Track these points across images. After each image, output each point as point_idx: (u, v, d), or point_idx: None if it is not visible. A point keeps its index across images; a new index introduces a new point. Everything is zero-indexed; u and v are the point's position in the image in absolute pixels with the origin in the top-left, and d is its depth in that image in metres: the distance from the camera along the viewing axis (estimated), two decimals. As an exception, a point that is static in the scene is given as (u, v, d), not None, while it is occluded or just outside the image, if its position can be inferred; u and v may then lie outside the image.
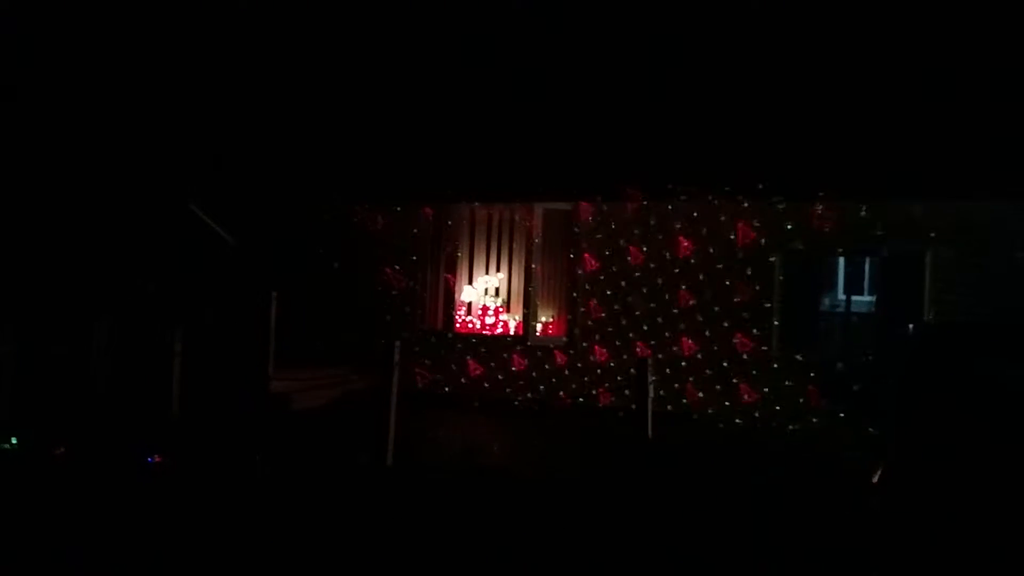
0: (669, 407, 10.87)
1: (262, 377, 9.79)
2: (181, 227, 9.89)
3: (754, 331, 10.73)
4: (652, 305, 11.26)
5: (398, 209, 12.53)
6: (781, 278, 10.68)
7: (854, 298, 11.55)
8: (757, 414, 10.63)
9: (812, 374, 10.24)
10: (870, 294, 12.06)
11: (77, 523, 5.82)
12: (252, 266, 10.12)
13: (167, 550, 5.32)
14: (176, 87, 9.48)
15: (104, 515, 6.02)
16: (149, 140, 10.26)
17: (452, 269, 12.48)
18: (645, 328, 11.26)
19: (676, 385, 11.05)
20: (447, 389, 11.90)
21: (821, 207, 10.37)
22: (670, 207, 11.14)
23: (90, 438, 8.04)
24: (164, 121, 10.13)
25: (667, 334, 11.14)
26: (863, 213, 10.19)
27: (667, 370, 10.97)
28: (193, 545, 5.40)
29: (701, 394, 10.96)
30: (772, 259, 10.68)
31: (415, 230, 12.49)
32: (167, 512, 6.12)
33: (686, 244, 11.11)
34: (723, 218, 10.88)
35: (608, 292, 11.51)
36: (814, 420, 10.24)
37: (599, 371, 11.48)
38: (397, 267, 12.49)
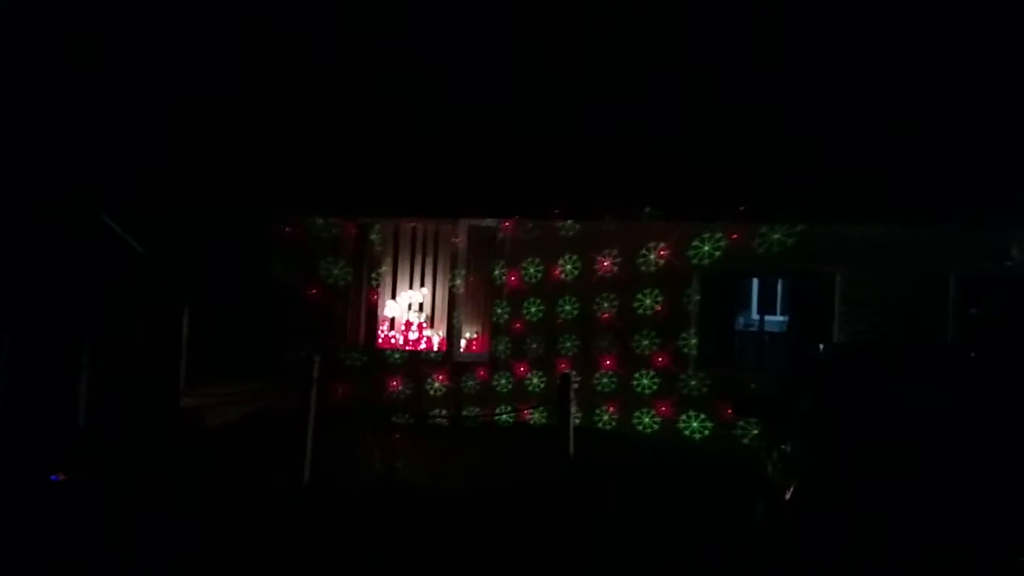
0: (591, 423, 11.06)
1: (172, 392, 9.48)
2: (91, 238, 9.50)
3: (672, 349, 10.98)
4: (574, 322, 11.42)
5: (320, 222, 12.36)
6: (698, 297, 10.96)
7: (767, 318, 11.90)
8: (676, 430, 10.87)
9: (727, 391, 10.52)
10: (783, 314, 12.46)
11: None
12: (166, 278, 9.80)
13: (65, 571, 5.09)
14: (89, 92, 9.12)
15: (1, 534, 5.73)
16: (58, 147, 9.85)
17: (375, 284, 12.36)
18: (568, 345, 11.41)
19: (598, 401, 11.21)
20: (368, 405, 11.73)
21: (736, 231, 10.72)
22: (593, 227, 11.35)
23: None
24: (75, 127, 9.74)
25: (589, 351, 11.31)
26: (777, 235, 10.56)
27: (589, 387, 11.13)
28: (92, 567, 5.18)
29: (622, 410, 11.13)
30: (690, 279, 10.96)
31: (338, 244, 12.33)
32: (68, 532, 5.86)
33: (607, 263, 11.31)
34: (643, 238, 11.14)
35: (532, 309, 11.60)
36: (730, 436, 10.53)
37: (523, 387, 11.55)
38: (318, 281, 12.29)
